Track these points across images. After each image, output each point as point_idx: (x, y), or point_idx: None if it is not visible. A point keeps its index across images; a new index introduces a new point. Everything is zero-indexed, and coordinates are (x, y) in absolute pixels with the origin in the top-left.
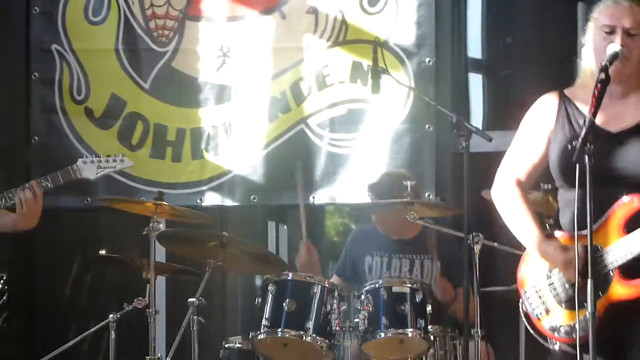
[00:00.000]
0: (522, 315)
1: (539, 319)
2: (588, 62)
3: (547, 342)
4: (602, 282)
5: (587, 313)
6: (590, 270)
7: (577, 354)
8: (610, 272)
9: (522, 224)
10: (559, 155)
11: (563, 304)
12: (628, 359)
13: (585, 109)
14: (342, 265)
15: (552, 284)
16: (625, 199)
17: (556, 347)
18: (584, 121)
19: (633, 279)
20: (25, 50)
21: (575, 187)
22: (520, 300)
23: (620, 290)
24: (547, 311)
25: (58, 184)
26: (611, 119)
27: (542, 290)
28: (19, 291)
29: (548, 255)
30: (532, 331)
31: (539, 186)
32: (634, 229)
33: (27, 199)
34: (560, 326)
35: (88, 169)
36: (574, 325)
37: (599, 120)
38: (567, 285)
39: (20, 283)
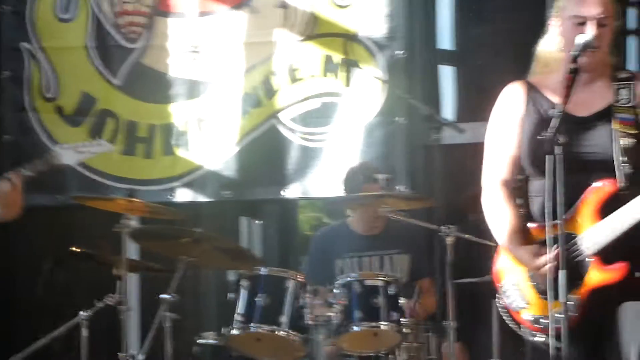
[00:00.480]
0: (500, 308)
1: (518, 312)
2: (551, 49)
3: (531, 335)
4: (580, 269)
5: (566, 303)
6: (561, 261)
7: (562, 344)
8: (588, 259)
9: (500, 227)
10: (529, 145)
11: (543, 296)
12: (609, 343)
13: (552, 96)
14: (309, 274)
15: (532, 275)
16: (596, 184)
17: (541, 339)
18: (554, 110)
19: (611, 264)
20: None
21: (544, 175)
22: (497, 294)
23: (598, 276)
24: (528, 304)
25: (37, 171)
26: (578, 105)
27: (521, 284)
28: None
29: (522, 262)
30: (512, 325)
31: None
32: (608, 214)
33: (5, 191)
34: (541, 318)
35: (67, 155)
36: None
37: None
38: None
39: None
